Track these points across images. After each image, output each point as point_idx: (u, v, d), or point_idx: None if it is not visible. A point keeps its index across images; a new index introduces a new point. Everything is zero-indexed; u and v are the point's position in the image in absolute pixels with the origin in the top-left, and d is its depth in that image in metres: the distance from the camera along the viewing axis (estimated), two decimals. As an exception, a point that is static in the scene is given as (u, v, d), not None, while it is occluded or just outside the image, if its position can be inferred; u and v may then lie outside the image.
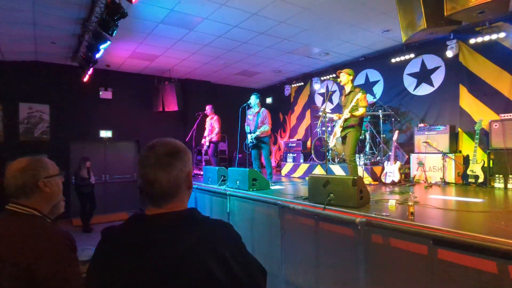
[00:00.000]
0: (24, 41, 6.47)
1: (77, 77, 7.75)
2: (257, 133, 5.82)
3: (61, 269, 1.27)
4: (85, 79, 7.59)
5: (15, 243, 1.26)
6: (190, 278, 0.89)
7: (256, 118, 5.93)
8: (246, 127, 6.14)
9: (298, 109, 10.29)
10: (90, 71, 7.21)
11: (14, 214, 1.38)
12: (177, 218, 1.00)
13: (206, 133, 7.44)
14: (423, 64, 6.95)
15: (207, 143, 7.33)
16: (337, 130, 4.71)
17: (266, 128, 5.85)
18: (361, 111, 4.48)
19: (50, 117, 8.03)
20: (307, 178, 3.80)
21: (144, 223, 0.99)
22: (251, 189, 4.68)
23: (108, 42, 5.48)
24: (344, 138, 4.75)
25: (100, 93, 8.71)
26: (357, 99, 4.43)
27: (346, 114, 4.54)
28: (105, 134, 8.83)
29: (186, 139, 7.90)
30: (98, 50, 5.80)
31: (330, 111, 8.08)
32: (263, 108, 6.04)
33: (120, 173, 9.11)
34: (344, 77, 4.71)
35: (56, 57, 7.59)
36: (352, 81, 4.82)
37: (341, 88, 8.58)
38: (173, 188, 1.02)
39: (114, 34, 4.99)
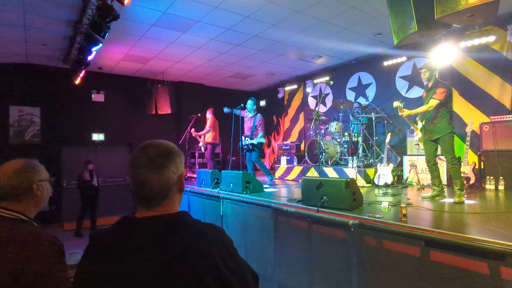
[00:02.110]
0: (14, 43, 6.39)
1: (68, 79, 7.66)
2: (254, 141, 5.92)
3: (48, 274, 1.25)
4: (77, 81, 7.51)
5: (1, 249, 1.24)
6: (180, 283, 0.87)
7: (251, 123, 6.03)
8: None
9: (291, 111, 10.32)
10: (82, 74, 7.13)
11: (0, 218, 1.35)
12: (167, 221, 0.97)
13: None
14: (414, 67, 7.03)
15: (204, 146, 7.33)
16: (418, 132, 4.14)
17: (262, 140, 5.95)
18: (430, 103, 3.85)
19: (41, 120, 7.93)
20: (300, 180, 3.80)
21: (133, 227, 0.96)
22: (244, 192, 4.67)
23: (100, 44, 5.44)
24: (429, 142, 4.11)
25: (92, 95, 8.63)
26: (434, 91, 3.85)
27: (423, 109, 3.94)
28: (97, 137, 8.74)
29: (180, 142, 7.86)
30: (90, 52, 5.75)
31: (323, 114, 8.11)
32: (258, 114, 6.12)
33: (112, 176, 9.00)
34: (427, 73, 4.03)
35: (47, 59, 7.51)
36: (435, 76, 4.11)
37: (336, 91, 8.70)
38: (164, 190, 1.00)
39: (106, 36, 4.96)
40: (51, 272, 1.27)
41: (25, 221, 1.40)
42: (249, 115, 6.16)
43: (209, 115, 7.43)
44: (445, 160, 4.05)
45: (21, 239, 1.28)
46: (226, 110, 6.32)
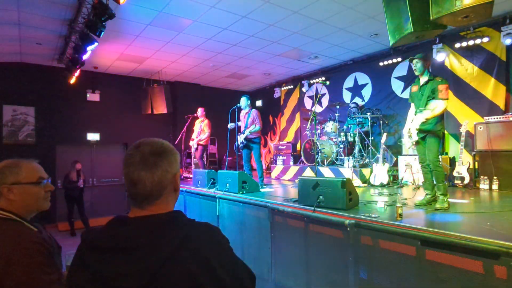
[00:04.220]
0: (8, 41, 6.32)
1: (63, 79, 7.60)
2: (246, 132, 5.75)
3: (31, 277, 1.21)
4: (72, 81, 7.46)
5: None
6: (172, 284, 0.85)
7: (246, 119, 5.89)
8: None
9: (288, 111, 10.33)
10: (77, 73, 7.09)
11: None
12: (160, 221, 0.96)
13: (194, 135, 7.40)
14: (410, 67, 7.06)
15: (195, 146, 7.29)
16: (413, 132, 3.73)
17: (256, 128, 5.74)
18: (441, 106, 3.45)
19: (36, 120, 7.85)
20: (296, 180, 3.80)
21: (125, 226, 0.95)
22: (241, 192, 4.66)
23: (96, 44, 5.40)
24: (420, 140, 3.76)
25: (87, 95, 8.58)
26: (436, 88, 3.48)
27: (424, 114, 3.55)
28: (93, 137, 8.68)
29: (176, 142, 7.84)
30: (85, 52, 5.71)
31: (319, 114, 8.13)
32: (253, 109, 5.98)
33: (107, 176, 8.97)
34: (419, 64, 3.69)
35: (41, 58, 7.44)
36: (429, 68, 3.79)
37: (332, 91, 8.74)
38: (157, 189, 0.98)
39: (101, 36, 4.93)
40: (35, 274, 1.22)
41: (12, 221, 1.35)
42: (243, 113, 6.02)
43: (203, 116, 7.40)
44: (427, 160, 3.66)
45: (5, 239, 1.25)
46: (231, 126, 6.12)
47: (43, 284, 1.22)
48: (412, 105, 3.91)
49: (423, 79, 3.74)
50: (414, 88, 3.87)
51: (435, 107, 3.48)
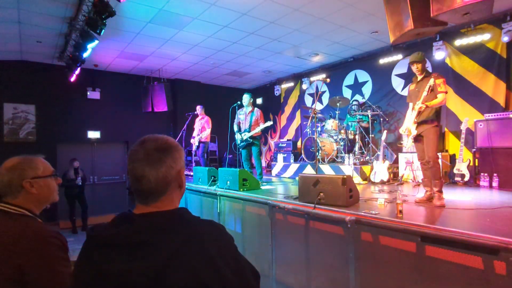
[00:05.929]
0: (9, 40, 6.32)
1: (64, 77, 7.62)
2: (252, 133, 5.72)
3: (51, 270, 1.26)
4: (72, 79, 7.47)
5: (6, 243, 1.24)
6: (177, 281, 0.85)
7: (249, 118, 5.86)
8: (234, 125, 6.12)
9: (288, 109, 10.33)
10: (77, 71, 7.10)
11: (4, 213, 1.36)
12: (165, 218, 0.96)
13: (195, 133, 7.41)
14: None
15: (197, 143, 7.30)
16: (411, 127, 3.71)
17: (261, 127, 5.73)
18: (439, 97, 3.49)
19: (36, 118, 7.86)
20: (297, 178, 3.81)
21: (130, 223, 0.94)
22: (241, 189, 4.67)
23: (96, 41, 5.41)
24: (418, 137, 3.77)
25: (88, 93, 8.59)
26: (433, 84, 3.52)
27: (418, 105, 3.56)
28: (93, 135, 8.70)
29: (176, 140, 7.84)
30: (85, 50, 5.72)
31: (319, 111, 8.13)
32: (256, 108, 5.96)
33: (108, 174, 8.99)
34: (420, 65, 3.74)
35: (42, 56, 7.44)
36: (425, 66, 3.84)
37: (332, 88, 8.73)
38: (161, 186, 0.98)
39: (102, 33, 4.93)
40: (55, 267, 1.27)
41: (29, 217, 1.40)
42: (245, 111, 5.99)
43: (202, 114, 7.41)
44: (426, 157, 3.66)
45: (26, 234, 1.29)
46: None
47: (64, 276, 1.27)
48: (411, 104, 3.92)
49: (420, 77, 3.81)
50: (412, 87, 3.92)
51: (435, 100, 3.53)
